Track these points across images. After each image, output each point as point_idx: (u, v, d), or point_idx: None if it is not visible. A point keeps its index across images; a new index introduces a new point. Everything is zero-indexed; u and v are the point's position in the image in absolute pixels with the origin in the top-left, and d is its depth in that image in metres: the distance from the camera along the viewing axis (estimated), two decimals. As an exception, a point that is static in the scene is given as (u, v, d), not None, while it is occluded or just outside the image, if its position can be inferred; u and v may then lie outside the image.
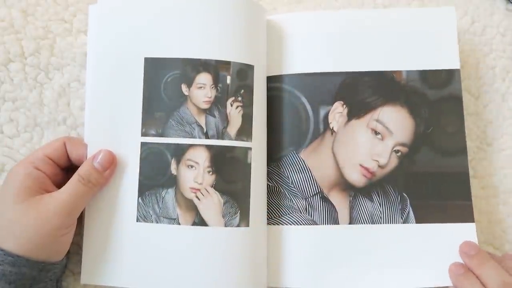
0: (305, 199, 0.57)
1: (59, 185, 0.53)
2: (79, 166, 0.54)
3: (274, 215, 0.58)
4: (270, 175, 0.58)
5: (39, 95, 0.62)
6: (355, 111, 0.58)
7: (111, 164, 0.54)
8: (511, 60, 0.66)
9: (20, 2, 0.62)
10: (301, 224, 0.57)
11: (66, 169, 0.56)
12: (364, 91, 0.58)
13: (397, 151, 0.57)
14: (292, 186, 0.58)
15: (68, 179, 0.53)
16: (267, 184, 0.58)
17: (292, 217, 0.57)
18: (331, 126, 0.58)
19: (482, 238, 0.63)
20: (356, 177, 0.57)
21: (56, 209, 0.50)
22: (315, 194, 0.57)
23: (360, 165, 0.57)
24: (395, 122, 0.58)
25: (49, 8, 0.63)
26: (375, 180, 0.57)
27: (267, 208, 0.58)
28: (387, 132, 0.57)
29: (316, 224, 0.57)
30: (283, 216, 0.57)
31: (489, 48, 0.67)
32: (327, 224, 0.56)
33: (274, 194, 0.58)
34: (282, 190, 0.58)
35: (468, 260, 0.55)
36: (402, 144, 0.57)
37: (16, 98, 0.61)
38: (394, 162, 0.57)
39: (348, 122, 0.58)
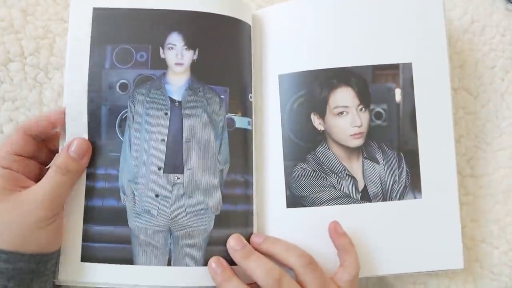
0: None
1: (34, 177, 0.54)
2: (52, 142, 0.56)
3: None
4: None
5: (39, 94, 0.62)
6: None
7: (87, 152, 0.54)
8: (510, 59, 0.66)
9: (20, 2, 0.62)
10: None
11: (39, 158, 0.56)
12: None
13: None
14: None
15: (42, 170, 0.54)
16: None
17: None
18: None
19: (480, 236, 0.63)
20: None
21: (37, 202, 0.50)
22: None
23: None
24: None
25: (49, 8, 0.63)
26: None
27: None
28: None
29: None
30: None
31: (489, 47, 0.66)
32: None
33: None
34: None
35: (234, 254, 0.55)
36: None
37: (16, 98, 0.61)
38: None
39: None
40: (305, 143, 0.59)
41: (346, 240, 0.56)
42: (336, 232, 0.57)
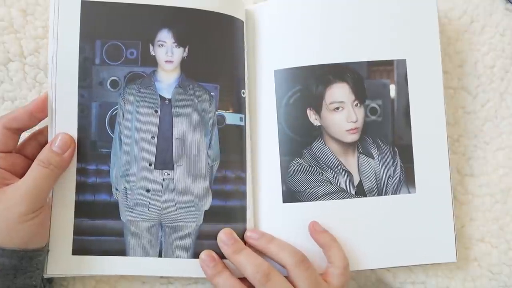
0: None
1: (20, 173, 0.53)
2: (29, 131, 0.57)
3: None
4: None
5: (38, 94, 0.62)
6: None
7: (70, 147, 0.54)
8: (510, 59, 0.66)
9: (20, 2, 0.62)
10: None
11: (26, 152, 0.56)
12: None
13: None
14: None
15: (30, 163, 0.54)
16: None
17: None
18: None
19: (479, 236, 0.63)
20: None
21: (20, 196, 0.50)
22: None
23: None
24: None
25: (49, 8, 0.62)
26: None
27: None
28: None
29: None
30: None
31: (488, 47, 0.66)
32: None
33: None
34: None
35: (224, 248, 0.55)
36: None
37: (15, 98, 0.62)
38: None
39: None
40: (301, 138, 0.60)
41: (327, 236, 0.57)
42: (315, 231, 0.57)
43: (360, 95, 0.60)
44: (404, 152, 0.60)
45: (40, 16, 0.63)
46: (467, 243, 0.63)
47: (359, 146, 0.60)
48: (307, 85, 0.60)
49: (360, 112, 0.60)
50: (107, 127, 0.56)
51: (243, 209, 0.58)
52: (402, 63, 0.60)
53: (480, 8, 0.67)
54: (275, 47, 0.61)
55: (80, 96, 0.56)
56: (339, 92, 0.59)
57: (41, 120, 0.56)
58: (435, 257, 0.59)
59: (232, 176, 0.58)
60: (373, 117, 0.60)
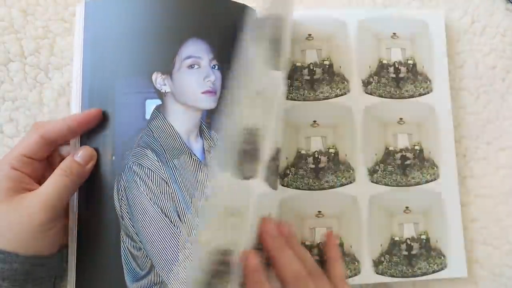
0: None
1: (38, 179, 0.52)
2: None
3: None
4: None
5: (39, 94, 0.60)
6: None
7: (92, 159, 0.53)
8: (511, 60, 0.65)
9: (20, 2, 0.61)
10: None
11: (45, 162, 0.55)
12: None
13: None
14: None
15: (47, 172, 0.53)
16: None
17: None
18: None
19: (481, 238, 0.62)
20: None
21: (41, 205, 0.49)
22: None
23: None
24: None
25: (49, 8, 0.62)
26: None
27: None
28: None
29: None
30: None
31: (489, 48, 0.65)
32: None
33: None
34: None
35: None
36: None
37: (16, 98, 0.60)
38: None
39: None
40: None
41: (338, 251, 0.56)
42: (331, 243, 0.57)
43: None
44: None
45: (40, 16, 0.61)
46: (469, 245, 0.61)
47: None
48: None
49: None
50: None
51: None
52: None
53: (481, 9, 0.66)
54: None
55: None
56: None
57: (78, 135, 0.55)
58: (445, 271, 0.60)
59: None
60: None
